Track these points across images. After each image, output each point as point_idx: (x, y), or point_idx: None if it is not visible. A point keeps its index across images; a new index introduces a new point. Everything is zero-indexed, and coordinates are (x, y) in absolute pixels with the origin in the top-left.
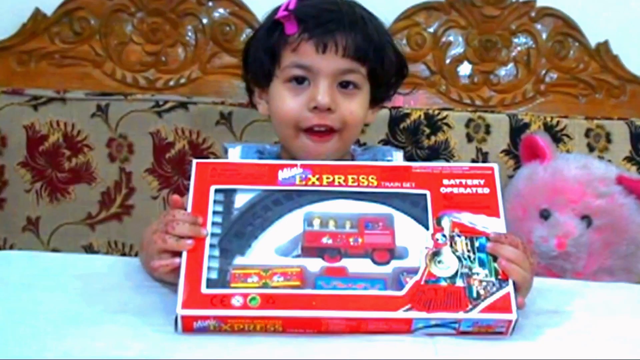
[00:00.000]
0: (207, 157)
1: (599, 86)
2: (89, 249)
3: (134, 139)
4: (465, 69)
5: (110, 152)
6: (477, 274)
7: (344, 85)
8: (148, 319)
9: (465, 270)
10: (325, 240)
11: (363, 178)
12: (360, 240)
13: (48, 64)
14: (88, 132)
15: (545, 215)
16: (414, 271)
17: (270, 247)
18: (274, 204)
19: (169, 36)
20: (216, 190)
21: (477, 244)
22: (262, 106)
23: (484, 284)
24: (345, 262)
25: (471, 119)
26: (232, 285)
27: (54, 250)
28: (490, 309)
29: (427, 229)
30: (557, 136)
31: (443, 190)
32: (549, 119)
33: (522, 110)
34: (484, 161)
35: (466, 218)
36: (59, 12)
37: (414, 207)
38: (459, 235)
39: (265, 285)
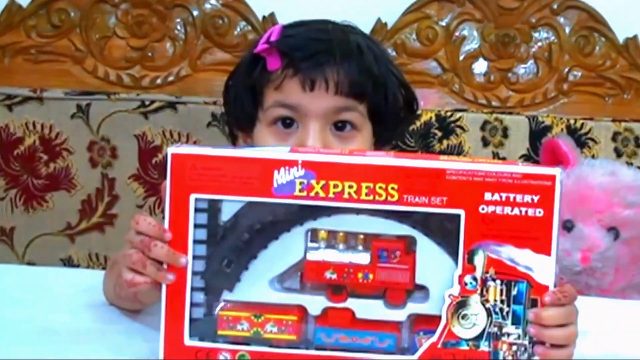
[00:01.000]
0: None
1: (627, 85)
2: (68, 262)
3: (117, 142)
4: (480, 66)
5: (92, 157)
6: (508, 334)
7: (340, 127)
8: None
9: (494, 330)
10: (329, 275)
11: (380, 188)
12: (371, 276)
13: (24, 60)
14: (67, 134)
15: (568, 226)
16: (431, 326)
17: (263, 277)
18: (269, 218)
19: (156, 30)
20: (197, 199)
21: (514, 292)
22: None
23: (514, 348)
24: (352, 303)
25: (487, 121)
26: (219, 332)
27: (30, 263)
28: None
29: (456, 264)
30: (581, 140)
31: (483, 209)
32: (572, 121)
33: (542, 111)
34: None
35: (507, 254)
36: (35, 4)
37: (443, 231)
38: (493, 279)
39: (256, 336)
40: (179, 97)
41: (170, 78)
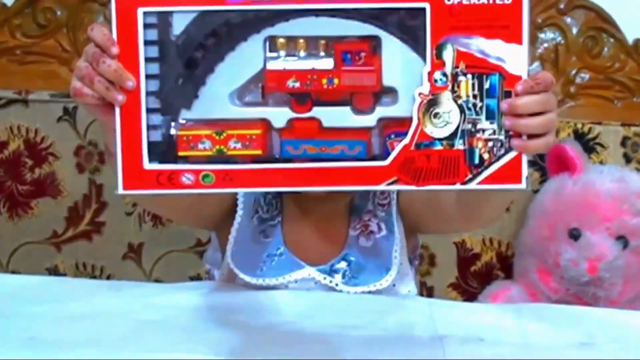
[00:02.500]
0: None
1: (636, 88)
2: (54, 272)
3: None
4: None
5: (79, 162)
6: (483, 130)
7: None
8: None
9: (468, 126)
10: (291, 83)
11: None
12: (336, 81)
13: (8, 61)
14: (53, 138)
15: (575, 235)
16: (403, 128)
17: (223, 92)
18: (224, 28)
19: None
20: (145, 13)
21: (486, 85)
22: None
23: (490, 144)
24: (318, 112)
25: None
26: (181, 153)
27: (14, 272)
28: (493, 179)
29: (424, 61)
30: (589, 145)
31: (449, 0)
32: (579, 126)
33: None
34: None
35: (477, 45)
36: (20, 2)
37: (409, 27)
38: (464, 74)
39: (219, 154)
40: None
41: None
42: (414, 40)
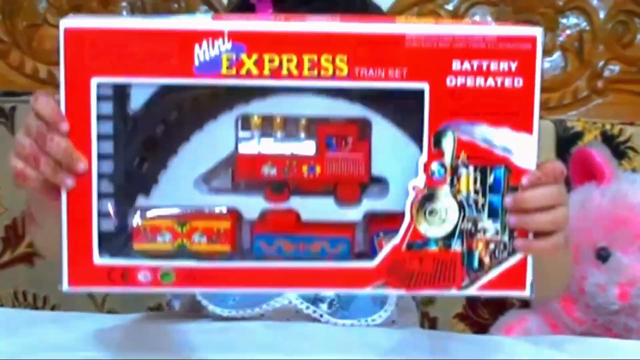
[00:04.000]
0: None
1: None
2: None
3: None
4: None
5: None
6: (485, 230)
7: None
8: None
9: (468, 225)
10: (267, 170)
11: (327, 61)
12: (318, 169)
13: None
14: None
15: (603, 255)
16: (393, 224)
17: (187, 176)
18: (190, 104)
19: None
20: (100, 85)
21: (490, 180)
22: None
23: (492, 246)
24: (296, 202)
25: None
26: (136, 246)
27: None
28: (494, 284)
29: (420, 150)
30: (619, 150)
31: (451, 81)
32: (608, 127)
33: (572, 114)
34: None
35: (481, 134)
36: None
37: (404, 110)
38: (465, 165)
39: (181, 248)
40: None
41: None
42: (409, 125)
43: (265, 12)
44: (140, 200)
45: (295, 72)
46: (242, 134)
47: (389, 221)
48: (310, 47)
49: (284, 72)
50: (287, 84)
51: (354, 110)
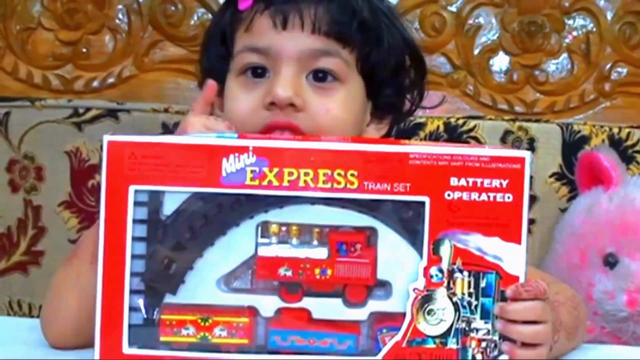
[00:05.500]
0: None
1: None
2: None
3: (44, 160)
4: (500, 62)
5: (12, 179)
6: (477, 330)
7: (320, 77)
8: None
9: (462, 325)
10: (283, 271)
11: (339, 175)
12: (329, 272)
13: None
14: None
15: (611, 262)
16: (395, 322)
17: (210, 277)
18: (216, 212)
19: (92, 19)
20: (137, 191)
21: (482, 284)
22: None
23: (484, 344)
24: (309, 302)
25: (509, 130)
26: (162, 339)
27: None
28: None
29: (420, 256)
30: (627, 153)
31: (448, 195)
32: (615, 130)
33: (579, 118)
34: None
35: (474, 243)
36: None
37: (406, 220)
38: (460, 271)
39: (203, 341)
40: (121, 103)
41: (110, 80)
42: (411, 233)
43: (246, 4)
44: (168, 297)
45: (311, 184)
46: (261, 240)
47: (391, 319)
48: (325, 163)
49: (301, 184)
50: (303, 194)
51: (362, 220)
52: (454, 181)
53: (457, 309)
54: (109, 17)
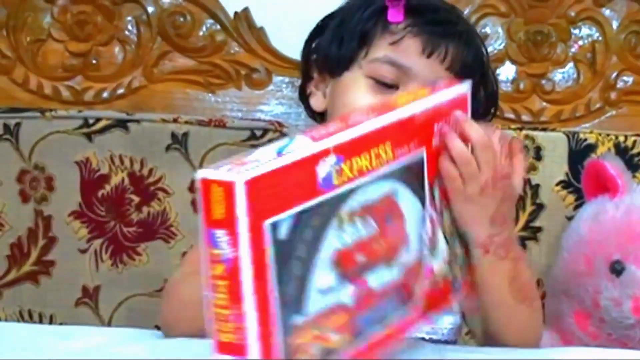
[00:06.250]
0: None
1: None
2: None
3: (54, 170)
4: (507, 71)
5: (22, 189)
6: (457, 256)
7: None
8: None
9: (451, 255)
10: (360, 257)
11: (382, 151)
12: (383, 243)
13: None
14: None
15: (617, 269)
16: (416, 270)
17: (314, 285)
18: (316, 221)
19: (102, 31)
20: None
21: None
22: (317, 99)
23: (459, 265)
24: (369, 279)
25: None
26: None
27: None
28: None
29: (423, 205)
30: (633, 162)
31: (434, 141)
32: (621, 139)
33: (585, 127)
34: (534, 196)
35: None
36: None
37: (413, 174)
38: (446, 208)
39: (324, 352)
40: (130, 113)
41: (120, 90)
42: (416, 187)
43: (397, 19)
44: (295, 318)
45: (369, 167)
46: (336, 232)
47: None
48: (374, 142)
49: (364, 169)
50: (366, 179)
51: (387, 186)
52: (436, 126)
53: (447, 242)
54: (118, 28)
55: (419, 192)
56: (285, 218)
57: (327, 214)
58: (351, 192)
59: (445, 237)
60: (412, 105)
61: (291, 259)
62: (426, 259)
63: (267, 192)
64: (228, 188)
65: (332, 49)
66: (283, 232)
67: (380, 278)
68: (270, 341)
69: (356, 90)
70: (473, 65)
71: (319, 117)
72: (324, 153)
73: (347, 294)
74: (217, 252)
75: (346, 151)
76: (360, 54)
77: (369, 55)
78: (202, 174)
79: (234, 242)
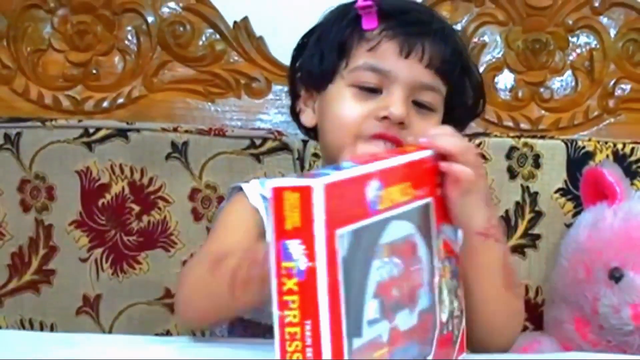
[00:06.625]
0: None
1: None
2: None
3: (55, 180)
4: (505, 79)
5: (23, 199)
6: (455, 309)
7: (418, 104)
8: None
9: (452, 307)
10: (395, 292)
11: (407, 186)
12: (406, 285)
13: None
14: None
15: (616, 276)
16: (431, 319)
17: (367, 315)
18: (367, 243)
19: (102, 41)
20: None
21: (452, 267)
22: (307, 115)
23: (457, 320)
24: (398, 320)
25: (514, 147)
26: None
27: None
28: (460, 351)
29: (431, 254)
30: (631, 169)
31: (438, 192)
32: (619, 146)
33: (583, 134)
34: (533, 204)
35: (447, 230)
36: None
37: (423, 221)
38: (448, 259)
39: None
40: (130, 123)
41: (120, 100)
42: (427, 235)
43: (371, 25)
44: (355, 342)
45: (399, 199)
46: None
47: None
48: (402, 177)
49: (398, 201)
50: (398, 211)
51: (405, 227)
52: (436, 179)
53: (449, 294)
54: (118, 38)
55: (427, 240)
56: (348, 232)
57: (372, 239)
58: (386, 223)
59: (447, 288)
60: (419, 152)
61: (351, 279)
62: (437, 309)
63: (338, 201)
64: (305, 193)
65: (314, 65)
66: (345, 247)
67: (404, 320)
68: None
69: (342, 100)
70: (452, 60)
71: (312, 132)
72: (371, 175)
73: (385, 329)
74: (289, 265)
75: (385, 179)
76: (341, 66)
77: (349, 65)
78: (273, 183)
79: (310, 252)
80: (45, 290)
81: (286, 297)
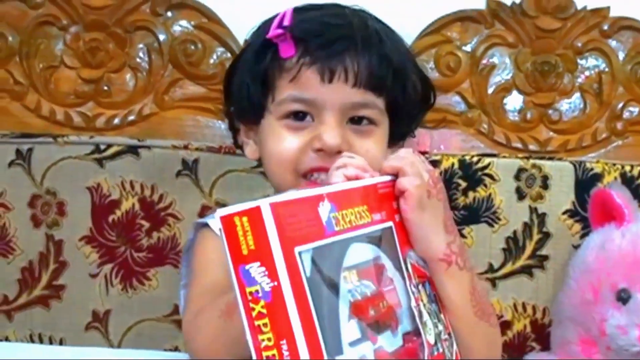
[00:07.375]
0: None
1: None
2: None
3: (66, 196)
4: (514, 101)
5: (34, 214)
6: (442, 332)
7: (357, 120)
8: None
9: (437, 330)
10: (372, 312)
11: (362, 210)
12: (384, 304)
13: None
14: (4, 186)
15: (623, 297)
16: (416, 341)
17: (347, 336)
18: (330, 264)
19: (114, 58)
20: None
21: (427, 291)
22: (250, 148)
23: (447, 343)
24: (381, 341)
25: (523, 168)
26: None
27: None
28: None
29: (403, 278)
30: (639, 191)
31: (397, 218)
32: (628, 168)
33: (591, 156)
34: (541, 225)
35: (413, 256)
36: None
37: (388, 245)
38: (422, 284)
39: None
40: (141, 140)
41: (131, 117)
42: (394, 258)
43: (288, 53)
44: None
45: (357, 222)
46: (347, 285)
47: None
48: (359, 201)
49: (353, 223)
50: (355, 233)
51: (374, 251)
52: (395, 205)
53: (430, 317)
54: (130, 56)
55: (396, 263)
56: (307, 250)
57: (336, 261)
58: (347, 245)
59: (427, 311)
60: (375, 178)
61: (320, 298)
62: (422, 331)
63: (289, 220)
64: (254, 214)
65: (243, 99)
66: (307, 267)
67: (389, 341)
68: None
69: (275, 136)
70: (380, 69)
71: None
72: (321, 197)
73: (369, 350)
74: (253, 289)
75: (337, 201)
76: (268, 100)
77: (275, 99)
78: (221, 212)
79: (271, 271)
80: (55, 305)
81: (257, 322)
